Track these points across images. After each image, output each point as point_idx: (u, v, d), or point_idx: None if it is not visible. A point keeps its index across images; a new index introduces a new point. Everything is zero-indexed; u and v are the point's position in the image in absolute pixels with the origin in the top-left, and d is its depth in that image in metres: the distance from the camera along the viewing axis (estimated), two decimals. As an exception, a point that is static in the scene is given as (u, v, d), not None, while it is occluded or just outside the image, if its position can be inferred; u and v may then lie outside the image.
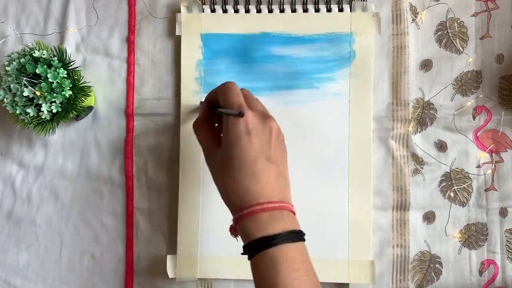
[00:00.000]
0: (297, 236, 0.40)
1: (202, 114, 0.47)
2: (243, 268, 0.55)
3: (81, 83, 0.53)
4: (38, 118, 0.51)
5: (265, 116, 0.43)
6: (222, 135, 0.43)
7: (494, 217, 0.56)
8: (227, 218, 0.55)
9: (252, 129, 0.41)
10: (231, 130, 0.41)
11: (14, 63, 0.51)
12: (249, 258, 0.41)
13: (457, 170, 0.56)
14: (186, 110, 0.56)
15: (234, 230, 0.43)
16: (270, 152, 0.42)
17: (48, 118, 0.51)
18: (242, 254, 0.41)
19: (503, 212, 0.56)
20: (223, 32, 0.56)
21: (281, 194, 0.42)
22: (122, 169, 0.58)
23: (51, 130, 0.53)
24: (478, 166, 0.56)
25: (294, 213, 0.42)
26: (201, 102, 0.49)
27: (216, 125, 0.48)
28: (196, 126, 0.47)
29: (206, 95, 0.56)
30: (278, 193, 0.42)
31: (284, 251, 0.39)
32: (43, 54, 0.51)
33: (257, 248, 0.39)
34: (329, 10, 0.56)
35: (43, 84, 0.50)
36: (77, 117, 0.57)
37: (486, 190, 0.56)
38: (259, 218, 0.40)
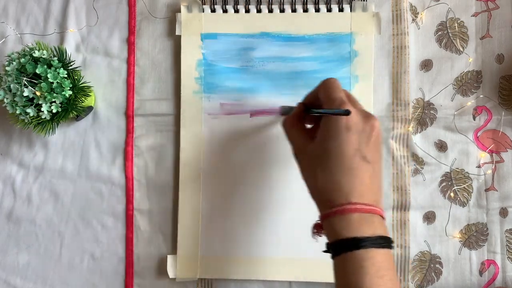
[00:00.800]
0: (386, 242, 0.39)
1: (295, 113, 0.46)
2: (243, 268, 0.55)
3: (81, 83, 0.53)
4: (38, 118, 0.51)
5: (367, 114, 0.41)
6: (319, 130, 0.42)
7: (494, 217, 0.56)
8: (227, 218, 0.56)
9: (352, 125, 0.40)
10: (331, 124, 0.40)
11: (14, 63, 0.51)
12: (333, 257, 0.40)
13: (457, 170, 0.56)
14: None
15: (319, 228, 0.42)
16: (368, 152, 0.40)
17: (48, 118, 0.51)
18: (324, 251, 0.41)
19: (503, 212, 0.56)
20: (223, 32, 0.56)
21: (373, 196, 0.40)
22: (122, 170, 0.58)
23: (51, 130, 0.53)
24: (478, 166, 0.56)
25: (384, 218, 0.40)
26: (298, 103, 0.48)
27: (307, 126, 0.46)
28: (288, 124, 0.45)
29: (206, 95, 0.56)
30: (371, 195, 0.40)
31: (372, 255, 0.38)
32: (43, 54, 0.51)
33: (344, 248, 0.38)
34: (329, 10, 0.56)
35: (43, 84, 0.50)
36: (77, 117, 0.57)
37: (486, 190, 0.56)
38: (350, 218, 0.38)
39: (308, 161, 0.43)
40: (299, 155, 0.44)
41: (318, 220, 0.42)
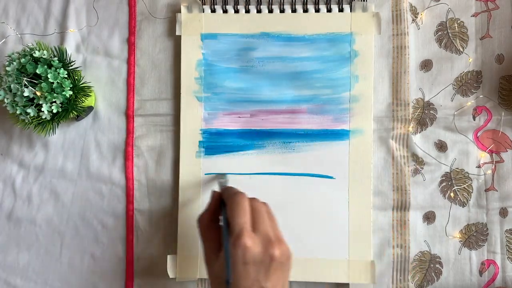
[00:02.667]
0: None
1: (209, 209, 0.47)
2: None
3: (82, 83, 0.53)
4: (39, 118, 0.51)
5: (267, 242, 0.41)
6: (220, 254, 0.43)
7: (494, 217, 0.56)
8: (227, 218, 0.56)
9: (249, 260, 0.40)
10: (229, 254, 0.41)
11: (15, 63, 0.51)
12: None
13: (457, 170, 0.56)
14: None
15: None
16: (266, 281, 0.41)
17: (48, 118, 0.51)
18: None
19: (503, 212, 0.56)
20: (223, 32, 0.57)
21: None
22: (122, 170, 0.58)
23: (51, 130, 0.53)
24: (478, 166, 0.56)
25: None
26: (212, 191, 0.49)
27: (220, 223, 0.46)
28: (200, 224, 0.46)
29: (206, 95, 0.56)
30: None
31: None
32: (44, 54, 0.51)
33: None
34: (329, 10, 0.56)
35: (43, 84, 0.50)
36: (78, 117, 0.57)
37: (486, 190, 0.56)
38: None
39: (213, 281, 0.43)
40: (207, 266, 0.45)
41: None
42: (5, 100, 0.51)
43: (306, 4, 0.56)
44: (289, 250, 0.43)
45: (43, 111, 0.51)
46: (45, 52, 0.51)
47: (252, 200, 0.45)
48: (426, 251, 0.56)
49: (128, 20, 0.59)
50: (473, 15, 0.57)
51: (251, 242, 0.41)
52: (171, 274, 0.55)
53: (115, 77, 0.58)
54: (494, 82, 0.56)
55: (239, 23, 0.56)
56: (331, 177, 0.55)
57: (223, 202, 0.45)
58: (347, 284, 0.55)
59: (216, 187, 0.53)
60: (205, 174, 0.56)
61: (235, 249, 0.40)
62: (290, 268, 0.44)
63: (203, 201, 0.56)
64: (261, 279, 0.41)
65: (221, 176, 0.55)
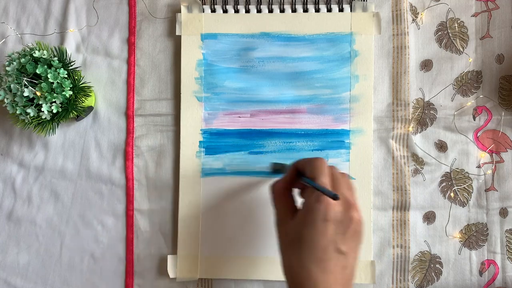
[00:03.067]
0: None
1: (286, 179, 0.46)
2: (243, 268, 0.55)
3: (81, 83, 0.53)
4: (39, 118, 0.51)
5: (348, 204, 0.41)
6: (299, 211, 0.43)
7: (494, 217, 0.56)
8: (228, 218, 0.56)
9: (330, 217, 0.40)
10: (310, 209, 0.41)
11: (15, 63, 0.51)
12: None
13: (457, 170, 0.56)
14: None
15: None
16: (343, 243, 0.41)
17: (48, 118, 0.51)
18: None
19: (503, 212, 0.56)
20: (223, 32, 0.57)
21: (343, 286, 0.41)
22: (122, 170, 0.58)
23: (51, 130, 0.53)
24: (478, 166, 0.56)
25: None
26: (286, 166, 0.48)
27: (294, 191, 0.47)
28: (275, 190, 0.46)
29: (206, 95, 0.56)
30: (340, 285, 0.41)
31: None
32: (44, 54, 0.51)
33: None
34: (329, 10, 0.56)
35: (43, 84, 0.50)
36: (78, 117, 0.57)
37: (487, 190, 0.56)
38: None
39: (285, 240, 0.43)
40: (279, 229, 0.45)
41: None
42: (5, 100, 0.51)
43: (306, 4, 0.56)
44: (363, 220, 0.43)
45: (43, 111, 0.50)
46: (45, 52, 0.51)
47: (332, 167, 0.45)
48: (426, 251, 0.56)
49: (128, 20, 0.59)
50: (473, 15, 0.57)
51: (333, 201, 0.40)
52: (171, 274, 0.55)
53: (115, 77, 0.58)
54: (494, 82, 0.56)
55: (239, 23, 0.56)
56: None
57: (299, 175, 0.45)
58: (347, 284, 0.55)
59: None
60: (271, 162, 0.54)
61: (318, 204, 0.40)
62: (363, 238, 0.43)
63: (203, 201, 0.56)
64: (338, 240, 0.40)
65: (276, 164, 0.54)
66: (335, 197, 0.39)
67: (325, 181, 0.42)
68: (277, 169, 0.53)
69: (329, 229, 0.40)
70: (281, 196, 0.46)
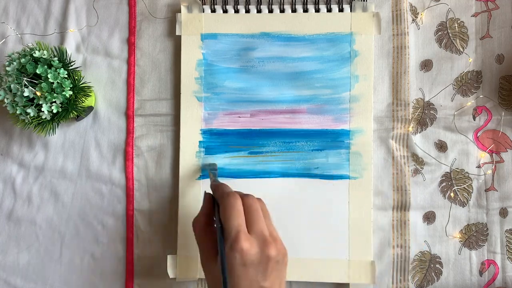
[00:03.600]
0: None
1: (203, 212, 0.46)
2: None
3: (82, 83, 0.53)
4: (39, 118, 0.51)
5: (264, 242, 0.42)
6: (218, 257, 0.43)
7: (494, 217, 0.56)
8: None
9: (247, 262, 0.40)
10: (227, 258, 0.41)
11: (15, 63, 0.51)
12: None
13: (457, 170, 0.56)
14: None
15: None
16: (265, 280, 0.41)
17: (48, 118, 0.51)
18: None
19: (503, 212, 0.56)
20: (223, 32, 0.57)
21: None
22: (122, 170, 0.58)
23: (51, 130, 0.53)
24: (478, 166, 0.56)
25: None
26: (205, 192, 0.48)
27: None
28: (196, 227, 0.46)
29: (206, 95, 0.56)
30: None
31: None
32: (44, 54, 0.51)
33: None
34: (329, 10, 0.56)
35: (43, 84, 0.50)
36: (78, 117, 0.57)
37: (487, 190, 0.56)
38: None
39: (210, 282, 0.43)
40: (204, 268, 0.44)
41: None
42: (5, 100, 0.51)
43: (306, 4, 0.56)
44: (285, 248, 0.43)
45: (43, 111, 0.50)
46: (45, 52, 0.51)
47: (246, 197, 0.44)
48: (426, 251, 0.56)
49: (128, 20, 0.59)
50: (473, 15, 0.57)
51: (248, 245, 0.41)
52: (171, 274, 0.55)
53: (115, 77, 0.58)
54: (494, 82, 0.56)
55: (239, 23, 0.56)
56: (331, 177, 0.55)
57: (216, 203, 0.45)
58: (347, 284, 0.55)
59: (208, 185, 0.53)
60: (201, 164, 0.55)
61: (233, 253, 0.40)
62: (286, 266, 0.44)
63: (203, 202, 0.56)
64: (260, 279, 0.41)
65: (212, 165, 0.54)
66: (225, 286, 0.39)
67: (237, 222, 0.42)
68: (211, 169, 0.53)
69: (249, 272, 0.41)
70: (202, 234, 0.45)
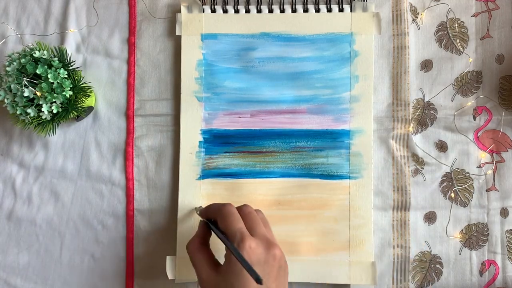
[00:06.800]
0: None
1: (198, 235, 0.47)
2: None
3: (82, 84, 0.53)
4: (39, 119, 0.51)
5: (268, 243, 0.42)
6: (223, 263, 0.43)
7: (495, 218, 0.56)
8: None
9: (255, 260, 0.41)
10: (234, 261, 0.41)
11: (15, 63, 0.51)
12: None
13: (458, 170, 0.56)
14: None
15: None
16: (272, 282, 0.42)
17: (48, 118, 0.51)
18: None
19: (504, 212, 0.55)
20: (223, 32, 0.57)
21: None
22: (122, 170, 0.58)
23: (51, 130, 0.53)
24: (479, 166, 0.56)
25: None
26: (196, 210, 0.49)
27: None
28: (191, 250, 0.46)
29: (206, 95, 0.56)
30: None
31: None
32: (44, 55, 0.51)
33: None
34: (329, 10, 0.56)
35: (43, 85, 0.50)
36: (78, 118, 0.57)
37: (487, 190, 0.56)
38: None
39: None
40: (202, 284, 0.44)
41: None
42: (5, 100, 0.51)
43: (306, 4, 0.56)
44: (284, 257, 0.44)
45: (43, 111, 0.50)
46: (45, 52, 0.51)
47: (244, 207, 0.46)
48: (427, 251, 0.56)
49: (128, 20, 0.59)
50: (473, 15, 0.57)
51: (254, 244, 0.41)
52: (170, 276, 0.55)
53: (115, 77, 0.58)
54: (494, 82, 0.56)
55: (239, 23, 0.56)
56: (331, 177, 0.55)
57: (212, 223, 0.46)
58: (348, 285, 0.55)
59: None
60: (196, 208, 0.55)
61: (241, 252, 0.41)
62: (288, 274, 0.45)
63: (203, 202, 0.56)
64: (267, 280, 0.41)
65: (198, 208, 0.54)
66: (258, 281, 0.37)
67: (239, 226, 0.43)
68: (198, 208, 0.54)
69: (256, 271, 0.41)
70: (198, 253, 0.45)
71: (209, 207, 0.48)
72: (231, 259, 0.42)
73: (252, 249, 0.41)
